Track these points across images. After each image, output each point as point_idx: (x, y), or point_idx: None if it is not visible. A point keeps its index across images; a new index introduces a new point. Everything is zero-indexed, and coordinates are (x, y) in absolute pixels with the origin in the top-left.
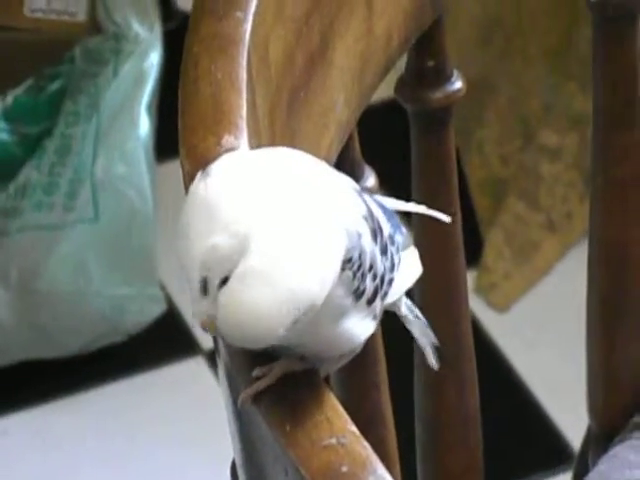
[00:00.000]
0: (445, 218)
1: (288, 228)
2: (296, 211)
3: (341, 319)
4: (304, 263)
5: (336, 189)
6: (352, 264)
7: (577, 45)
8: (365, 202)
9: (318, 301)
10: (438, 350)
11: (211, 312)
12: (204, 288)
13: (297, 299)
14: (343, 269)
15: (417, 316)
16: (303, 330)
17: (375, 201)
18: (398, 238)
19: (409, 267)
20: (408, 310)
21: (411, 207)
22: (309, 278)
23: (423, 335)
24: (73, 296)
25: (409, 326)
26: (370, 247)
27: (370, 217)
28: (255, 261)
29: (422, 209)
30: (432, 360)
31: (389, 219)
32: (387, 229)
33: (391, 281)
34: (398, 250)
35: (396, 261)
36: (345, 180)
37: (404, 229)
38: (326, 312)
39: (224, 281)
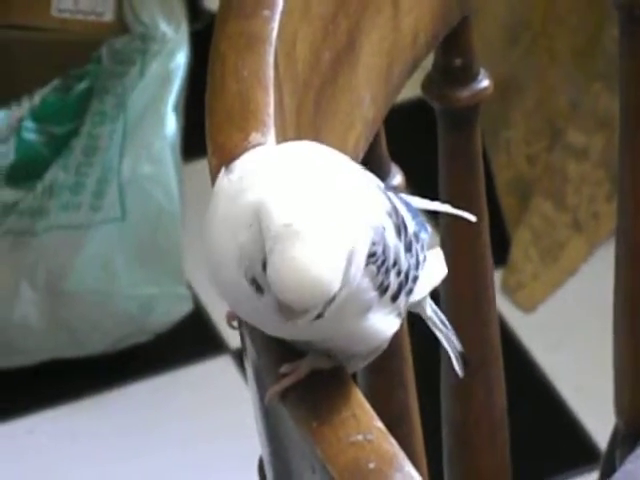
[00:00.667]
0: (471, 217)
1: (309, 208)
2: (320, 201)
3: (366, 314)
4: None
5: (360, 184)
6: (376, 258)
7: (603, 44)
8: (389, 199)
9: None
10: (463, 357)
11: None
12: (257, 286)
13: (342, 244)
14: (367, 264)
15: (443, 322)
16: (329, 325)
17: (400, 199)
18: (423, 236)
19: (434, 267)
20: (433, 313)
21: (436, 206)
22: (346, 231)
23: (448, 342)
24: (100, 296)
25: (435, 330)
26: (394, 242)
27: (394, 213)
28: (278, 227)
29: (447, 208)
30: (457, 368)
31: (414, 217)
32: (412, 227)
33: (416, 278)
34: (423, 248)
35: (421, 259)
36: (369, 177)
37: (429, 227)
38: (351, 306)
39: (264, 264)
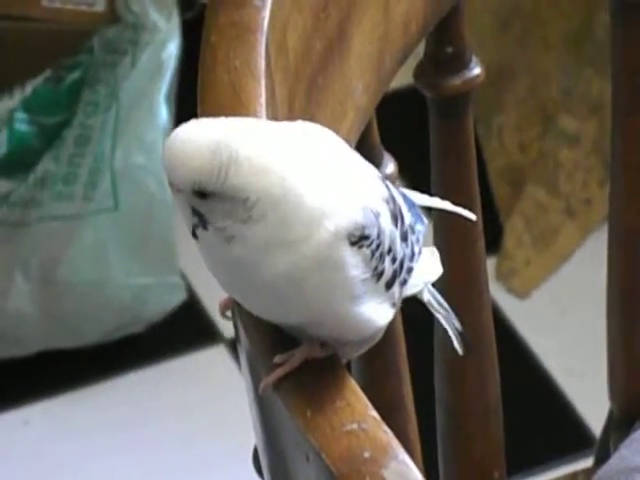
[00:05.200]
0: (471, 215)
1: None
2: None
3: (360, 299)
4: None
5: (359, 168)
6: (370, 242)
7: (595, 31)
8: (387, 187)
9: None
10: (462, 336)
11: None
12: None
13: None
14: (361, 246)
15: (440, 303)
16: (322, 310)
17: (397, 190)
18: (419, 228)
19: (429, 265)
20: (431, 296)
21: (436, 202)
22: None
23: (448, 323)
24: (93, 286)
25: (433, 312)
26: (389, 228)
27: (391, 201)
28: None
29: (447, 205)
30: (457, 346)
31: (410, 208)
32: (408, 218)
33: (410, 270)
34: (418, 240)
35: (416, 251)
36: (369, 164)
37: (425, 219)
38: (345, 291)
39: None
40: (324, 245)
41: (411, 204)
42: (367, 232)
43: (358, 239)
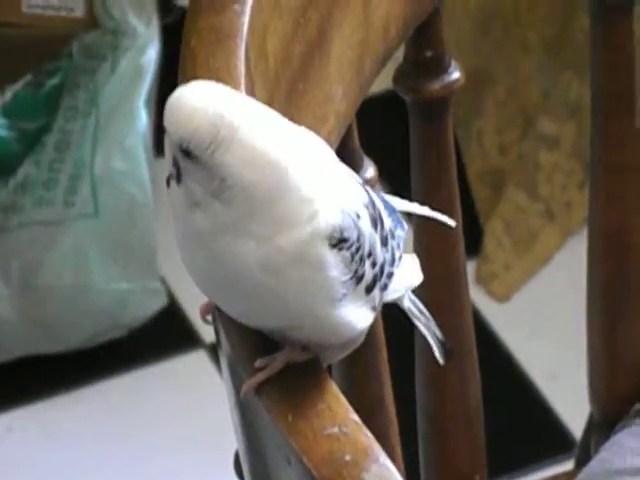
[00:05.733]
0: (450, 221)
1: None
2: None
3: (340, 302)
4: None
5: (340, 172)
6: (350, 244)
7: (574, 34)
8: (367, 192)
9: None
10: (443, 344)
11: None
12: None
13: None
14: (340, 249)
15: (421, 311)
16: (302, 312)
17: (377, 195)
18: (399, 233)
19: (410, 271)
20: (412, 304)
21: (415, 208)
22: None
23: (428, 331)
24: (74, 291)
25: (414, 320)
26: (369, 232)
27: (371, 206)
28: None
29: (426, 210)
30: (438, 355)
31: (390, 214)
32: (388, 223)
33: (391, 275)
34: (399, 246)
35: (397, 256)
36: (351, 171)
37: (405, 225)
38: (324, 293)
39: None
40: (300, 242)
41: (391, 209)
42: (346, 235)
43: (337, 242)
